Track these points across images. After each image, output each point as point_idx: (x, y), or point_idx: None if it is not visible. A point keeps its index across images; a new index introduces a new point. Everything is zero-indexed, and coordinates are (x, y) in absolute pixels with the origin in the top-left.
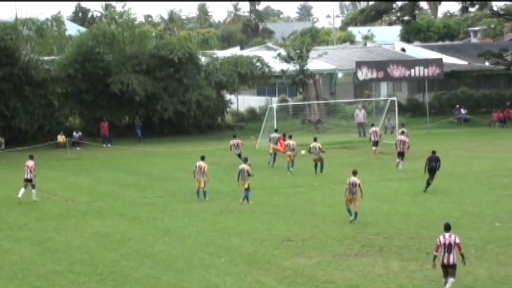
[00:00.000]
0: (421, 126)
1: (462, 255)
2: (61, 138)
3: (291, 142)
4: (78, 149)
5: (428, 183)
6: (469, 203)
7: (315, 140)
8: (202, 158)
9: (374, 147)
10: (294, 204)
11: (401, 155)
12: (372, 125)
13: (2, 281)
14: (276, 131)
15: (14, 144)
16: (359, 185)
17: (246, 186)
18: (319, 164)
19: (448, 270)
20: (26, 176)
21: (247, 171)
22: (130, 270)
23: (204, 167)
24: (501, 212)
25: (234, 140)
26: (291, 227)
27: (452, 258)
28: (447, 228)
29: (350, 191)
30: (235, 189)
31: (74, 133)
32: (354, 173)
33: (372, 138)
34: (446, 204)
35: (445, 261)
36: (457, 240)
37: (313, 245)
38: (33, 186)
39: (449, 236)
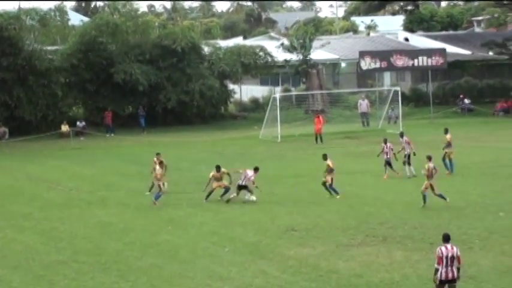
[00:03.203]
0: (424, 116)
1: (458, 269)
2: (64, 127)
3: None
4: (81, 138)
5: None
6: (473, 193)
7: None
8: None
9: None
10: (297, 194)
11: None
12: (385, 141)
13: (7, 270)
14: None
15: (18, 134)
16: (435, 168)
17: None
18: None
19: (450, 285)
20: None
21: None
22: (134, 260)
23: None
24: (505, 202)
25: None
26: (295, 217)
27: (456, 271)
28: (447, 238)
29: (431, 177)
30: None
31: (78, 123)
32: (429, 159)
33: (384, 156)
34: (451, 194)
35: (450, 275)
36: (459, 253)
37: (317, 235)
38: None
39: (452, 248)
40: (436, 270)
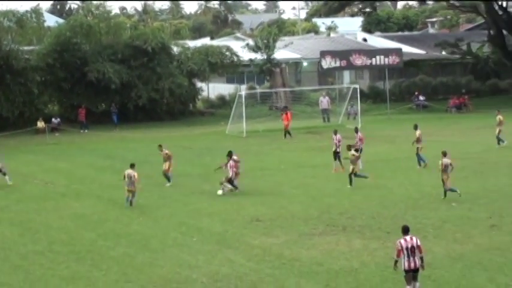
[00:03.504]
0: (382, 112)
1: (422, 258)
2: (40, 124)
3: None
4: (56, 134)
5: None
6: (428, 185)
7: None
8: (132, 166)
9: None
10: (262, 186)
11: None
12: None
13: None
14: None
15: None
16: (451, 164)
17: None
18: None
19: (414, 274)
20: None
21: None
22: (107, 249)
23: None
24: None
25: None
26: (259, 208)
27: (418, 261)
28: (406, 230)
29: (445, 172)
30: (206, 171)
31: (53, 119)
32: (444, 154)
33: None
34: (406, 186)
35: (412, 265)
36: (419, 243)
37: (280, 225)
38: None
39: (411, 239)
40: (395, 262)
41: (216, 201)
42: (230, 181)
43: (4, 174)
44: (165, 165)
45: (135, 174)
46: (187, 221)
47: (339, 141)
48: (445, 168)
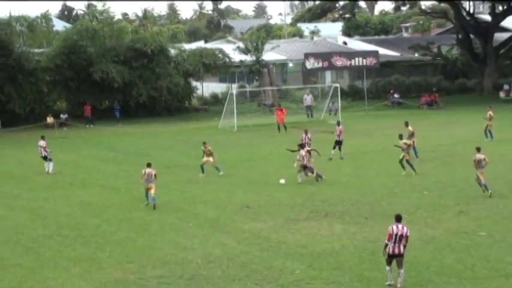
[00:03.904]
0: (360, 109)
1: (405, 246)
2: (50, 119)
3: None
4: (64, 129)
5: None
6: (402, 175)
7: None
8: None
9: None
10: (251, 175)
11: None
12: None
13: None
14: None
15: (9, 125)
16: (484, 159)
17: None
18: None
19: (397, 259)
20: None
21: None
22: (110, 234)
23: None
24: (429, 182)
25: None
26: (249, 196)
27: (403, 247)
28: (398, 219)
29: (478, 167)
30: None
31: (61, 115)
32: (478, 150)
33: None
34: (382, 176)
35: (396, 251)
36: (408, 233)
37: (268, 211)
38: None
39: (402, 228)
40: (386, 245)
41: (209, 190)
42: (307, 168)
43: (48, 160)
44: (206, 159)
45: (155, 172)
46: (183, 208)
47: (310, 140)
48: (478, 164)
